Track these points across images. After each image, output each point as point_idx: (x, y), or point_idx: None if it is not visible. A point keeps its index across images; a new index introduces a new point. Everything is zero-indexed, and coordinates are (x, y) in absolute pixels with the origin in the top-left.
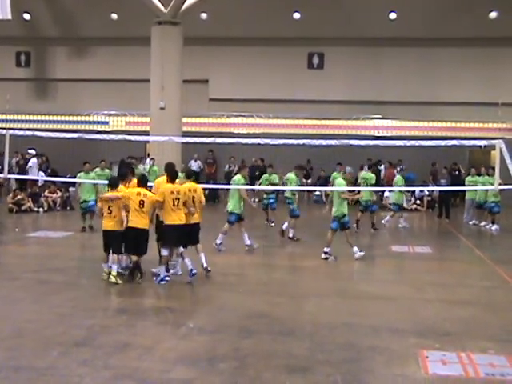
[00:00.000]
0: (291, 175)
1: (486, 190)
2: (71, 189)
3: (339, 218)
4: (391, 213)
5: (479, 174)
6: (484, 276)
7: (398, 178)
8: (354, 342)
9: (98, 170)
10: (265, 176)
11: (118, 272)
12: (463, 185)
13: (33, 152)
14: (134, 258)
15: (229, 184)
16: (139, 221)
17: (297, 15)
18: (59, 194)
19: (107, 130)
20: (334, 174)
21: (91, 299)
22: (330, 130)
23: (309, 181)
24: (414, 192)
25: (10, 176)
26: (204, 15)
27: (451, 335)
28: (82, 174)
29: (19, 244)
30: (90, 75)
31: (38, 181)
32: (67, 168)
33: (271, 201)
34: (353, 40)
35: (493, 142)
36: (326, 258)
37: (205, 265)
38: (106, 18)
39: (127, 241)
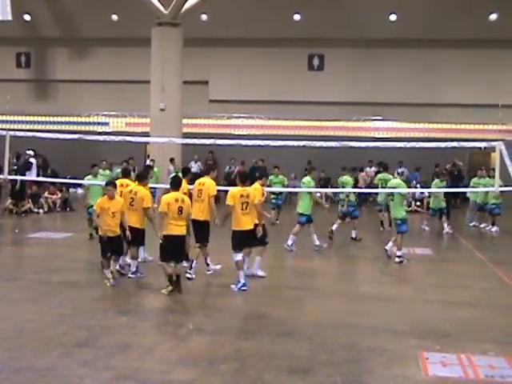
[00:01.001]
0: (348, 178)
1: (487, 192)
2: (71, 190)
3: (403, 220)
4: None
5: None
6: (484, 278)
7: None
8: (354, 342)
9: (100, 170)
10: (270, 178)
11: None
12: (463, 185)
13: (31, 153)
14: (173, 267)
15: (229, 186)
16: (178, 228)
17: (297, 16)
18: (59, 195)
19: (107, 130)
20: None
21: (92, 300)
22: (330, 131)
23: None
24: (414, 194)
25: (10, 177)
26: (204, 16)
27: (451, 337)
28: (90, 176)
29: (19, 245)
30: (90, 76)
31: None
32: (67, 169)
33: (279, 202)
34: (353, 41)
35: (493, 143)
36: (401, 262)
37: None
38: (107, 18)
39: (167, 249)
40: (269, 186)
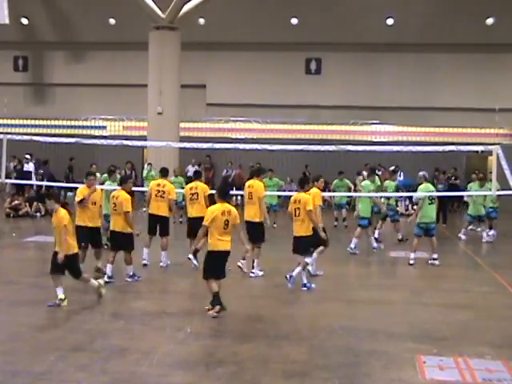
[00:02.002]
0: (391, 182)
1: (485, 196)
2: (69, 194)
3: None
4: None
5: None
6: (481, 281)
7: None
8: (351, 346)
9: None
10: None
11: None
12: (460, 190)
13: (28, 157)
14: (215, 284)
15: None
16: (223, 244)
17: (294, 21)
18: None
19: (105, 134)
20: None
21: (88, 304)
22: (328, 135)
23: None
24: (411, 198)
25: (7, 181)
26: (202, 20)
27: (448, 340)
28: (108, 182)
29: (16, 248)
30: (87, 80)
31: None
32: (65, 172)
33: (276, 205)
34: (350, 45)
35: (490, 147)
36: (433, 264)
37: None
38: (104, 22)
39: (212, 265)
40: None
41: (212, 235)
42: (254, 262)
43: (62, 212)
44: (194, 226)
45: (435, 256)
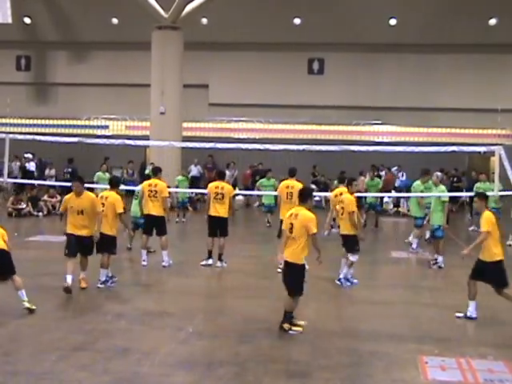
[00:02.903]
0: (418, 182)
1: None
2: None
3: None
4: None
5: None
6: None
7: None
8: (353, 347)
9: (100, 173)
10: (261, 181)
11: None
12: (462, 190)
13: (30, 156)
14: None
15: None
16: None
17: (297, 21)
18: (58, 198)
19: (107, 134)
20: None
21: (90, 304)
22: (330, 135)
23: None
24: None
25: (9, 180)
26: (204, 20)
27: (450, 341)
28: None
29: (18, 248)
30: (90, 79)
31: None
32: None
33: (272, 205)
34: (353, 46)
35: (492, 148)
36: (438, 267)
37: None
38: (107, 22)
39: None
40: (259, 189)
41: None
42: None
43: (92, 195)
44: (214, 225)
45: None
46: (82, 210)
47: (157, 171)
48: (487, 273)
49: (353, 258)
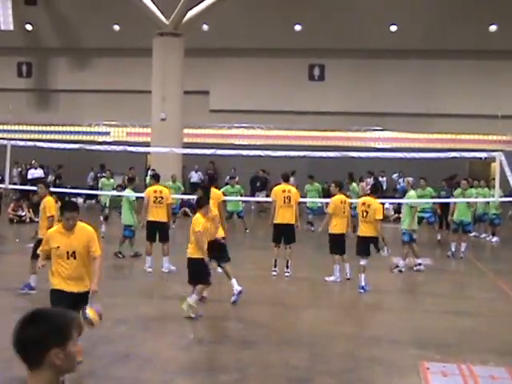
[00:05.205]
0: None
1: (488, 202)
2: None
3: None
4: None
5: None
6: (484, 288)
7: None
8: (353, 352)
9: (104, 179)
10: (226, 188)
11: None
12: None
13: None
14: None
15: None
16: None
17: (298, 27)
18: (59, 204)
19: (108, 140)
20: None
21: None
22: (331, 141)
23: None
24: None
25: (11, 186)
26: (205, 27)
27: (452, 347)
28: (128, 190)
29: (19, 254)
30: (91, 86)
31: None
32: (68, 178)
33: (240, 211)
34: (354, 52)
35: (493, 154)
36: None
37: None
38: (108, 29)
39: None
40: (225, 195)
41: None
42: (287, 262)
43: (89, 229)
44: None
45: (420, 261)
46: (73, 252)
47: (158, 178)
48: None
49: (363, 261)
